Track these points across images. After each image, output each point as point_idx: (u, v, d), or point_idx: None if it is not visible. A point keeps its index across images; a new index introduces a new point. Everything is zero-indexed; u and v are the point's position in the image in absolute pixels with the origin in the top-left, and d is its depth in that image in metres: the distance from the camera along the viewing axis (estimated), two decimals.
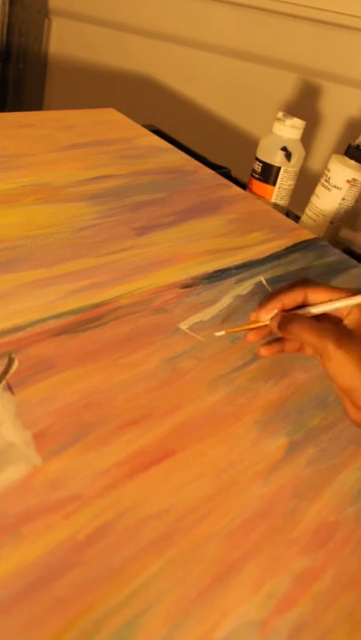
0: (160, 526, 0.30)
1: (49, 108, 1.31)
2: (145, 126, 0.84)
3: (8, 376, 0.36)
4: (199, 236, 0.58)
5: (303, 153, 0.72)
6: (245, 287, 0.51)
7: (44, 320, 0.41)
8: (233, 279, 0.52)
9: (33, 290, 0.44)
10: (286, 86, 1.07)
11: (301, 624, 0.28)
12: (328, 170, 0.70)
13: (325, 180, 0.70)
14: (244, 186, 0.76)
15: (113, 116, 0.85)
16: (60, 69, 1.28)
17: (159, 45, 1.15)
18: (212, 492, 0.33)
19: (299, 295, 0.39)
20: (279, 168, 0.71)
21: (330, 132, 1.06)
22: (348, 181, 0.68)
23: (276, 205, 0.73)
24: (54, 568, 0.27)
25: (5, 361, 0.37)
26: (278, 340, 0.41)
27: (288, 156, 0.71)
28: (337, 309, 0.39)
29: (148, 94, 1.19)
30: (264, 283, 0.50)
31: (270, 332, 0.40)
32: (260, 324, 0.40)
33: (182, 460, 0.34)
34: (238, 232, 0.61)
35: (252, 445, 0.36)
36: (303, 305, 0.39)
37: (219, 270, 0.53)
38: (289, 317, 0.38)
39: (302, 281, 0.40)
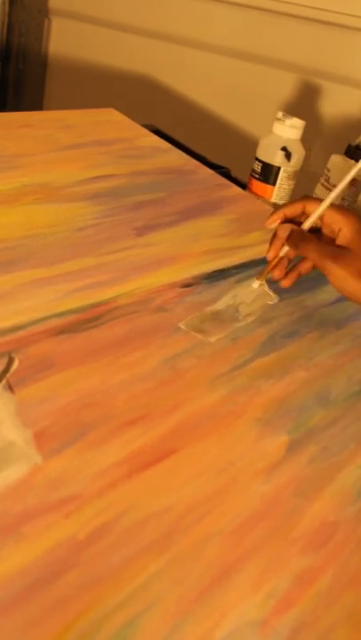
0: (160, 526, 0.30)
1: (49, 108, 1.31)
2: (145, 126, 0.84)
3: (8, 375, 0.36)
4: (199, 235, 0.58)
5: (303, 153, 0.72)
6: (245, 287, 0.51)
7: (44, 319, 0.41)
8: (233, 279, 0.52)
9: (33, 289, 0.44)
10: (286, 86, 1.07)
11: (301, 624, 0.28)
12: (328, 170, 0.70)
13: (325, 180, 0.70)
14: (244, 186, 0.76)
15: (113, 116, 0.85)
16: (60, 69, 1.28)
17: (159, 45, 1.15)
18: (212, 492, 0.33)
19: (298, 207, 0.46)
20: (279, 168, 0.71)
21: (330, 132, 1.06)
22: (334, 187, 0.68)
23: (276, 205, 0.73)
24: (54, 568, 0.27)
25: (5, 360, 0.37)
26: (294, 270, 0.48)
27: (288, 155, 0.71)
28: (330, 228, 0.45)
29: (148, 94, 1.19)
30: (264, 286, 0.50)
31: (286, 265, 0.48)
32: (278, 259, 0.47)
33: (182, 459, 0.34)
34: (238, 232, 0.61)
35: (252, 444, 0.36)
36: (304, 216, 0.46)
37: (219, 270, 0.53)
38: (299, 235, 0.45)
39: (302, 197, 0.47)
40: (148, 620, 0.26)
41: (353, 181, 0.68)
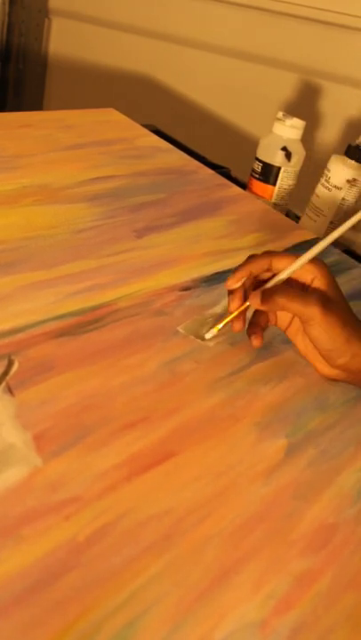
0: (160, 528, 0.30)
1: (49, 108, 1.31)
2: (145, 126, 0.84)
3: (8, 377, 0.36)
4: (199, 237, 0.58)
5: (303, 153, 0.72)
6: None
7: (43, 322, 0.41)
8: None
9: (33, 291, 0.44)
10: (286, 86, 1.07)
11: (301, 625, 0.28)
12: (328, 170, 0.70)
13: (325, 180, 0.70)
14: (244, 186, 0.76)
15: (113, 116, 0.85)
16: (60, 69, 1.28)
17: (159, 45, 1.15)
18: (211, 494, 0.33)
19: (264, 263, 0.42)
20: (279, 168, 0.71)
21: (330, 132, 1.06)
22: (348, 181, 0.68)
23: (276, 205, 0.73)
24: (54, 569, 0.27)
25: (5, 363, 0.37)
26: (256, 325, 0.43)
27: (288, 155, 0.71)
28: (302, 279, 0.42)
29: (148, 94, 1.19)
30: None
31: (244, 317, 0.43)
32: (240, 309, 0.42)
33: (182, 462, 0.34)
34: (238, 233, 0.61)
35: (251, 447, 0.36)
36: (269, 272, 0.42)
37: (218, 272, 0.53)
38: (272, 290, 0.40)
39: (265, 252, 0.42)
40: (147, 621, 0.26)
41: (353, 181, 0.68)
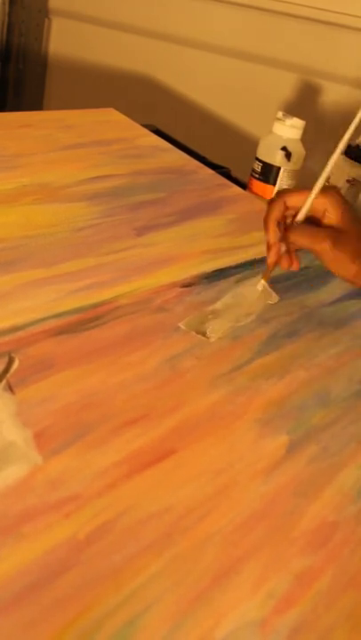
0: (160, 526, 0.30)
1: (49, 108, 1.31)
2: (145, 126, 0.84)
3: (8, 375, 0.36)
4: (199, 235, 0.58)
5: (303, 153, 0.72)
6: (245, 286, 0.51)
7: (44, 320, 0.41)
8: (233, 278, 0.52)
9: (33, 289, 0.44)
10: (286, 86, 1.07)
11: (301, 624, 0.28)
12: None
13: (325, 180, 0.70)
14: (244, 186, 0.76)
15: (113, 115, 0.85)
16: (60, 69, 1.28)
17: (159, 45, 1.15)
18: (212, 492, 0.33)
19: (280, 205, 0.45)
20: (279, 168, 0.71)
21: (330, 132, 1.05)
22: (348, 181, 0.68)
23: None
24: (54, 567, 0.27)
25: (6, 360, 0.37)
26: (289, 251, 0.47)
27: (288, 155, 0.71)
28: (314, 211, 0.44)
29: (148, 94, 1.19)
30: (266, 287, 0.50)
31: (287, 256, 0.46)
32: (276, 253, 0.46)
33: (182, 459, 0.34)
34: (238, 232, 0.61)
35: (252, 444, 0.36)
36: (290, 210, 0.45)
37: (219, 270, 0.53)
38: (287, 231, 0.44)
39: (276, 195, 0.46)
40: (147, 619, 0.26)
41: (353, 181, 0.68)
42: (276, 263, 0.46)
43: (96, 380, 0.38)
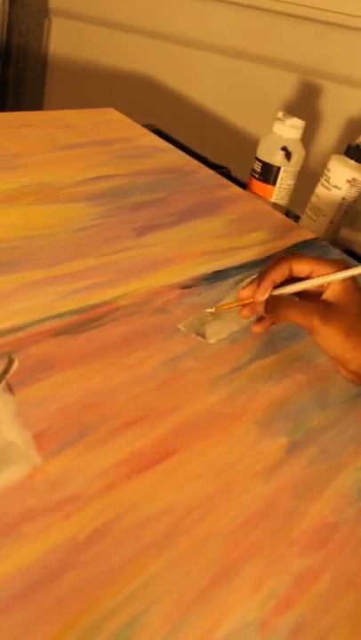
0: (160, 526, 0.30)
1: (49, 108, 1.31)
2: (145, 126, 0.84)
3: (8, 376, 0.36)
4: (199, 236, 0.58)
5: (303, 153, 0.72)
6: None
7: (43, 320, 0.41)
8: (233, 280, 0.52)
9: (33, 290, 0.44)
10: (286, 86, 1.07)
11: (301, 624, 0.28)
12: (328, 170, 0.70)
13: (325, 180, 0.70)
14: (244, 186, 0.76)
15: (113, 115, 0.85)
16: (60, 69, 1.28)
17: (159, 45, 1.15)
18: (211, 493, 0.33)
19: (285, 268, 0.42)
20: (279, 168, 0.71)
21: (330, 132, 1.06)
22: (348, 181, 0.68)
23: (276, 205, 0.73)
24: (54, 568, 0.27)
25: (5, 361, 0.37)
26: (265, 320, 0.43)
27: (288, 155, 0.71)
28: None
29: (148, 94, 1.19)
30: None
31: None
32: (247, 301, 0.43)
33: (182, 460, 0.34)
34: (238, 232, 0.61)
35: (251, 445, 0.36)
36: (291, 277, 0.42)
37: (219, 271, 0.53)
38: (275, 302, 0.41)
39: (286, 255, 0.42)
40: (147, 620, 0.26)
41: (353, 181, 0.68)
42: (247, 300, 0.43)
43: (96, 381, 0.38)
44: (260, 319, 0.43)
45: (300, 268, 0.41)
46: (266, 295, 0.41)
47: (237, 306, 0.43)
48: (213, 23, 1.09)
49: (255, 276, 0.43)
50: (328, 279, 0.40)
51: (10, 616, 0.25)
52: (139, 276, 0.49)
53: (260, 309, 0.42)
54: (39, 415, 0.34)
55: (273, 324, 0.43)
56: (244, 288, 0.43)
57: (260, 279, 0.42)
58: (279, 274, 0.42)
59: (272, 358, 0.44)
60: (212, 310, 0.45)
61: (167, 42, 1.14)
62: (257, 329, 0.43)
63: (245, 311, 0.43)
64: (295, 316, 0.40)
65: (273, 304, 0.41)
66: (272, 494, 0.34)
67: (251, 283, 0.43)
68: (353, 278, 0.41)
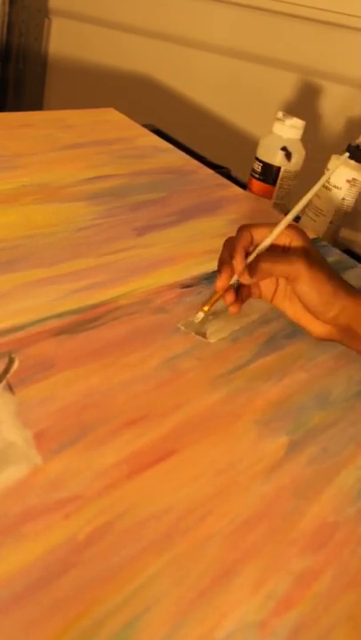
0: (160, 526, 0.30)
1: (49, 108, 1.31)
2: (145, 126, 0.84)
3: (8, 376, 0.36)
4: (199, 235, 0.58)
5: (303, 153, 0.72)
6: None
7: (43, 320, 0.41)
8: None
9: (33, 290, 0.44)
10: (286, 86, 1.07)
11: (301, 625, 0.28)
12: (328, 170, 0.69)
13: (325, 180, 0.70)
14: (244, 186, 0.76)
15: (113, 115, 0.85)
16: (60, 69, 1.28)
17: (159, 45, 1.15)
18: (211, 492, 0.33)
19: (247, 235, 0.43)
20: (279, 168, 0.71)
21: (330, 132, 1.06)
22: (348, 181, 0.68)
23: (276, 205, 0.73)
24: (54, 568, 0.27)
25: (6, 360, 0.37)
26: (238, 297, 0.44)
27: (288, 155, 0.71)
28: (279, 242, 0.43)
29: (148, 94, 1.19)
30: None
31: (234, 291, 0.44)
32: (228, 285, 0.43)
33: (182, 459, 0.34)
34: None
35: (252, 445, 0.36)
36: (252, 246, 0.43)
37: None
38: (256, 261, 0.42)
39: (242, 226, 0.44)
40: (147, 620, 0.26)
41: (353, 181, 0.68)
42: (225, 288, 0.43)
43: (96, 381, 0.38)
44: (234, 301, 0.44)
45: (259, 233, 0.43)
46: (244, 263, 0.42)
47: (220, 297, 0.44)
48: (213, 23, 1.09)
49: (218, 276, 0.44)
50: (284, 221, 0.43)
51: (10, 616, 0.25)
52: (139, 276, 0.49)
53: (246, 279, 0.42)
54: (39, 415, 0.34)
55: (245, 299, 0.45)
56: (216, 280, 0.43)
57: (234, 253, 0.43)
58: (245, 241, 0.43)
59: (272, 357, 0.44)
60: (202, 315, 0.45)
61: (167, 42, 1.14)
62: (234, 309, 0.44)
63: (229, 297, 0.43)
64: (281, 266, 0.41)
65: (256, 264, 0.42)
66: (272, 494, 0.34)
67: (219, 272, 0.43)
68: (310, 240, 0.44)
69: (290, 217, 0.43)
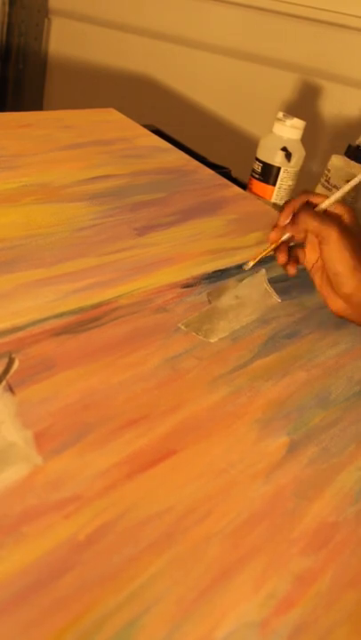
0: (160, 526, 0.30)
1: (49, 108, 1.31)
2: (145, 126, 0.84)
3: (8, 376, 0.36)
4: (199, 236, 0.58)
5: (303, 153, 0.72)
6: (246, 286, 0.51)
7: (44, 320, 0.41)
8: (233, 279, 0.52)
9: (33, 290, 0.44)
10: (286, 86, 1.07)
11: (301, 624, 0.28)
12: (328, 170, 0.70)
13: (325, 180, 0.70)
14: (244, 186, 0.76)
15: (113, 115, 0.85)
16: (60, 69, 1.28)
17: (159, 45, 1.15)
18: (212, 492, 0.33)
19: (303, 199, 0.47)
20: (279, 168, 0.71)
21: (330, 132, 1.06)
22: (348, 181, 0.68)
23: (276, 205, 0.73)
24: (54, 568, 0.27)
25: (6, 361, 0.37)
26: (290, 257, 0.49)
27: (288, 155, 0.71)
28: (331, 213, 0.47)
29: (148, 94, 1.19)
30: (268, 287, 0.51)
31: (286, 250, 0.49)
32: (279, 242, 0.48)
33: (182, 459, 0.34)
34: (238, 232, 0.61)
35: (252, 445, 0.36)
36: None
37: (219, 270, 0.53)
38: (299, 212, 0.46)
39: (303, 191, 0.49)
40: (148, 620, 0.26)
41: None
42: (276, 243, 0.48)
43: (96, 381, 0.38)
44: (288, 262, 0.49)
45: (317, 199, 0.47)
46: (288, 221, 0.46)
47: (271, 251, 0.49)
48: (213, 23, 1.09)
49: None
50: (346, 188, 0.48)
51: (10, 616, 0.25)
52: (139, 276, 0.49)
53: (289, 228, 0.46)
54: (39, 415, 0.34)
55: (296, 261, 0.49)
56: (270, 234, 0.48)
57: (281, 210, 0.47)
58: (300, 200, 0.47)
59: (273, 357, 0.44)
60: (249, 266, 0.50)
61: (167, 42, 1.14)
62: (291, 270, 0.49)
63: (281, 257, 0.48)
64: (316, 223, 0.44)
65: (297, 214, 0.45)
66: (273, 494, 0.34)
67: (274, 228, 0.48)
68: (357, 218, 0.47)
69: (353, 182, 0.48)
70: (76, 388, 0.37)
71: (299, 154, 0.71)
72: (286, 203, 0.48)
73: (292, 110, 0.76)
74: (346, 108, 1.04)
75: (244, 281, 0.52)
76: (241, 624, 0.27)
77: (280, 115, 0.71)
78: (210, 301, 0.48)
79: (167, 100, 1.18)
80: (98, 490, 0.31)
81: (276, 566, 0.30)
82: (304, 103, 1.06)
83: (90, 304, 0.44)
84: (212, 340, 0.44)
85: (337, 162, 0.69)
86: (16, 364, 0.37)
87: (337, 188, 0.69)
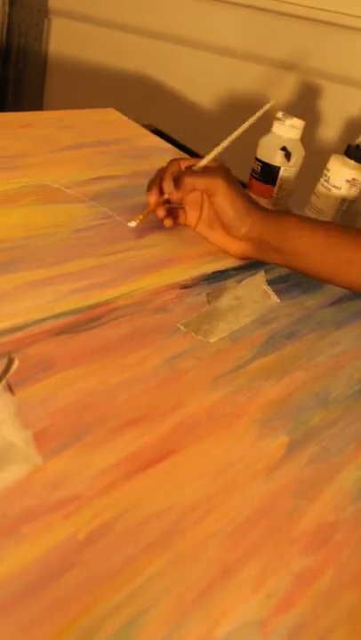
0: (160, 526, 0.30)
1: (49, 108, 1.31)
2: (145, 126, 0.84)
3: (8, 376, 0.36)
4: (199, 237, 0.58)
5: (303, 153, 0.72)
6: (245, 287, 0.51)
7: (43, 320, 0.41)
8: (232, 280, 0.52)
9: (32, 290, 0.44)
10: (286, 86, 1.07)
11: (301, 624, 0.28)
12: (328, 170, 0.70)
13: (325, 180, 0.70)
14: (244, 186, 0.75)
15: (113, 115, 0.85)
16: (60, 69, 1.28)
17: (159, 45, 1.15)
18: (211, 492, 0.33)
19: (175, 165, 0.52)
20: (279, 168, 0.71)
21: (330, 132, 1.06)
22: (347, 181, 0.68)
23: (275, 205, 0.73)
24: (54, 568, 0.27)
25: (5, 361, 0.37)
26: (174, 214, 0.55)
27: (288, 155, 0.70)
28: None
29: (148, 94, 1.19)
30: (267, 288, 0.51)
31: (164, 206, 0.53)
32: (160, 201, 0.52)
33: (182, 459, 0.34)
34: None
35: (252, 444, 0.36)
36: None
37: (218, 271, 0.53)
38: (180, 176, 0.50)
39: (172, 159, 0.53)
40: (147, 620, 0.26)
41: (353, 181, 0.68)
42: (157, 204, 0.52)
43: (96, 381, 0.38)
44: (168, 217, 0.53)
45: (187, 163, 0.52)
46: (172, 184, 0.50)
47: (152, 211, 0.53)
48: (213, 23, 1.09)
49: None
50: (224, 144, 0.54)
51: (10, 615, 0.25)
52: (138, 276, 0.49)
53: (173, 194, 0.50)
54: (39, 415, 0.34)
55: (180, 220, 0.55)
56: (148, 196, 0.52)
57: (162, 179, 0.51)
58: (174, 168, 0.51)
59: (273, 357, 0.44)
60: (135, 223, 0.53)
61: (167, 42, 1.14)
62: (168, 223, 0.53)
63: (160, 212, 0.53)
64: (203, 180, 0.48)
65: (180, 179, 0.49)
66: (272, 493, 0.34)
67: (149, 190, 0.53)
68: (228, 169, 0.52)
69: (231, 138, 0.53)
70: (75, 388, 0.37)
71: (298, 153, 0.71)
72: (163, 172, 0.51)
73: (292, 110, 0.76)
74: (346, 107, 1.04)
75: (244, 282, 0.52)
76: (241, 623, 0.27)
77: (280, 114, 0.71)
78: (209, 302, 0.48)
79: (167, 99, 1.18)
80: (97, 490, 0.31)
81: (275, 566, 0.30)
82: (304, 103, 1.06)
83: (89, 304, 0.44)
84: (211, 341, 0.44)
85: (337, 162, 0.69)
86: (16, 364, 0.37)
87: (337, 189, 0.69)
